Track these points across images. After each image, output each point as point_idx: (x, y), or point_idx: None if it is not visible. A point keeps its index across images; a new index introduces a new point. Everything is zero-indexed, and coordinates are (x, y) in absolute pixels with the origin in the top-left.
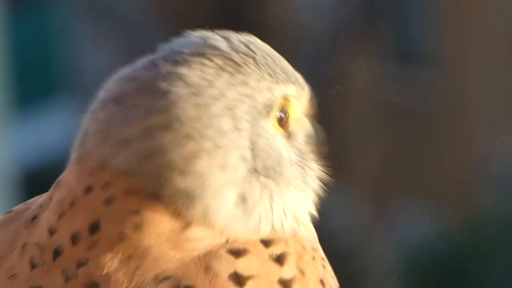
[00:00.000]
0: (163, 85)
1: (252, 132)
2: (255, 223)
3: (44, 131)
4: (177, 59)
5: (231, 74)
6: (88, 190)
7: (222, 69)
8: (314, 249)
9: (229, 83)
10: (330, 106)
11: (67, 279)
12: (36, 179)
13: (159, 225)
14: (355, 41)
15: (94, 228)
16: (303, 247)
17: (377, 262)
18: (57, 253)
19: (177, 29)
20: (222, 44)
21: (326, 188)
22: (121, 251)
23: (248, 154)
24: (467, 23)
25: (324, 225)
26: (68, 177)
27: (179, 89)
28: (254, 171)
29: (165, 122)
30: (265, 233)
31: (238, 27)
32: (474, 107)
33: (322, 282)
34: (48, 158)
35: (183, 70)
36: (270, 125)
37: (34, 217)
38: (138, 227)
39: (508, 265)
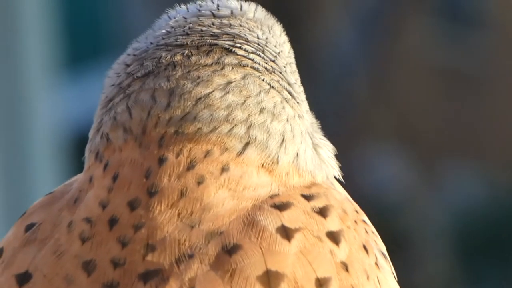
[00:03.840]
0: (224, 42)
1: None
2: (322, 170)
3: (93, 91)
4: (213, 23)
5: (268, 30)
6: (162, 161)
7: (260, 27)
8: (356, 211)
9: (276, 39)
10: (381, 68)
11: (123, 246)
12: (85, 139)
13: (224, 176)
14: (405, 2)
15: (152, 191)
16: (344, 210)
17: (424, 224)
18: (112, 223)
19: None
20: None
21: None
22: (182, 208)
23: (307, 108)
24: None
25: (371, 184)
26: (121, 157)
27: (244, 45)
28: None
29: (243, 76)
30: (320, 179)
31: None
32: None
33: (365, 247)
34: None
35: (233, 30)
36: None
37: (76, 200)
38: (202, 180)
39: None
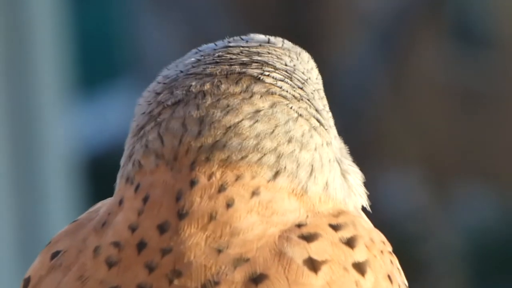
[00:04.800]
0: (253, 71)
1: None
2: (352, 197)
3: (107, 113)
4: (241, 51)
5: (296, 58)
6: (193, 184)
7: (289, 54)
8: (383, 242)
9: (304, 66)
10: (395, 88)
11: (150, 271)
12: (99, 161)
13: (254, 200)
14: (418, 23)
15: (182, 214)
16: (371, 239)
17: (437, 245)
18: (141, 246)
19: (239, 16)
20: (257, 39)
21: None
22: (211, 232)
23: (335, 133)
24: None
25: (383, 204)
26: (153, 180)
27: (272, 73)
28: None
29: (272, 104)
30: (351, 208)
31: (302, 12)
32: None
33: (389, 277)
34: (111, 139)
35: (260, 57)
36: None
37: (104, 224)
38: (232, 204)
39: None
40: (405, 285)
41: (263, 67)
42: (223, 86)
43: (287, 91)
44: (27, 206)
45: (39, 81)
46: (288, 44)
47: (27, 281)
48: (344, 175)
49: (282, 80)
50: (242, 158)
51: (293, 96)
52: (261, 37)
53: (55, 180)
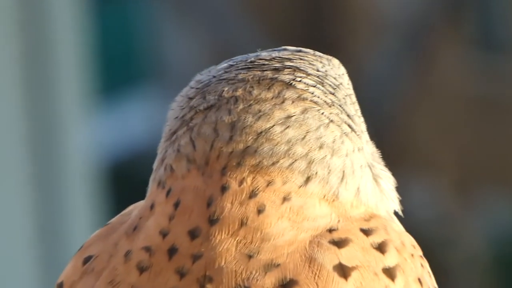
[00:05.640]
0: (285, 77)
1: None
2: (384, 201)
3: (128, 120)
4: (273, 58)
5: (328, 64)
6: (224, 189)
7: (320, 60)
8: (413, 246)
9: (336, 73)
10: (415, 97)
11: (181, 276)
12: (121, 168)
13: (285, 205)
14: (441, 30)
15: (213, 219)
16: (402, 243)
17: (466, 255)
18: (172, 252)
19: (262, 22)
20: (289, 51)
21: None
22: (242, 237)
23: (367, 139)
24: None
25: (410, 218)
26: (185, 184)
27: (303, 79)
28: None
29: (303, 110)
30: (383, 213)
31: (323, 17)
32: None
33: (420, 281)
34: (132, 147)
35: (293, 63)
36: None
37: (135, 228)
38: (262, 210)
39: None
40: None
41: (295, 73)
42: (255, 92)
43: (318, 97)
44: (48, 213)
45: (60, 88)
46: (318, 53)
47: (60, 286)
48: (376, 179)
49: (313, 86)
50: (273, 163)
51: (325, 101)
52: (292, 47)
53: (76, 187)
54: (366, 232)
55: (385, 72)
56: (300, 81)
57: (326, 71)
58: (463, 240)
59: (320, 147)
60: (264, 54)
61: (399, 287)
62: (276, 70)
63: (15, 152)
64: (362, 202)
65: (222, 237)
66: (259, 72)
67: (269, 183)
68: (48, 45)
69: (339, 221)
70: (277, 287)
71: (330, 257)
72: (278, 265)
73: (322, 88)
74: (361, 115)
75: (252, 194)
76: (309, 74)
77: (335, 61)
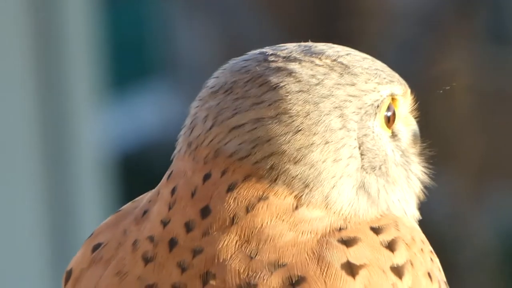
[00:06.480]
0: (274, 79)
1: (359, 132)
2: (378, 207)
3: (139, 113)
4: (288, 56)
5: (340, 74)
6: (206, 177)
7: (331, 69)
8: (422, 241)
9: (338, 83)
10: (425, 91)
11: (183, 270)
12: (132, 161)
13: (271, 206)
14: (451, 24)
15: (204, 212)
16: (413, 238)
17: (478, 251)
18: (172, 244)
19: (273, 15)
20: (328, 49)
21: (426, 192)
22: (237, 234)
23: (356, 153)
24: None
25: (426, 216)
26: (180, 167)
27: (289, 85)
28: (362, 169)
29: (275, 115)
30: (381, 215)
31: (336, 9)
32: None
33: (429, 275)
34: (144, 140)
35: (293, 66)
36: (377, 125)
37: (145, 212)
38: (251, 208)
39: None
40: (445, 283)
41: (285, 77)
42: (247, 87)
43: (295, 104)
44: (59, 205)
45: (72, 81)
46: (340, 60)
47: (69, 273)
48: (364, 187)
49: (297, 92)
50: (242, 158)
51: (301, 110)
52: (319, 49)
53: (87, 179)
54: (376, 230)
55: (399, 64)
56: (283, 86)
57: (322, 80)
58: (474, 236)
59: (282, 152)
60: (284, 49)
61: (407, 284)
62: (276, 69)
63: (28, 144)
64: (332, 210)
65: (218, 233)
66: (261, 69)
67: (245, 178)
68: (60, 38)
69: (344, 223)
70: (286, 286)
71: (338, 255)
72: (285, 264)
73: (306, 96)
74: (355, 128)
75: (231, 187)
76: (299, 81)
77: (356, 70)
